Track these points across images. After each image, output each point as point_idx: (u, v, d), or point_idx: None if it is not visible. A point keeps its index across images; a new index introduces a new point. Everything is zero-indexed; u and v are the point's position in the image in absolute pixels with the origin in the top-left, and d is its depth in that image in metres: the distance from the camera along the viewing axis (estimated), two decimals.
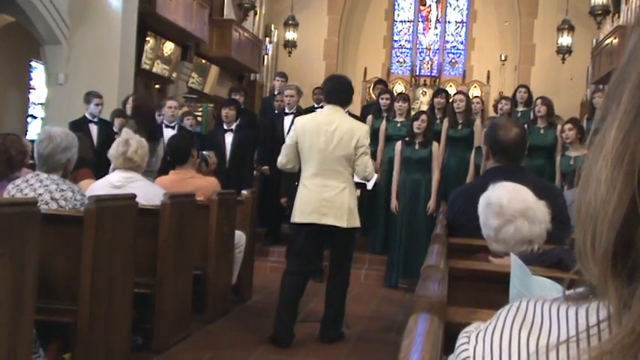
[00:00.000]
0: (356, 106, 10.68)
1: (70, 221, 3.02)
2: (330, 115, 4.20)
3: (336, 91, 4.26)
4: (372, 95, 12.27)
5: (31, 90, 10.43)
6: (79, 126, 6.50)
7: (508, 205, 2.08)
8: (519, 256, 1.54)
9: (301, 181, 4.24)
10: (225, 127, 6.96)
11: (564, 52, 12.07)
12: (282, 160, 4.28)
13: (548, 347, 0.47)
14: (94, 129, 6.72)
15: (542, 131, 6.48)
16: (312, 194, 4.13)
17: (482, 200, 2.16)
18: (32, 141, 4.07)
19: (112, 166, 5.24)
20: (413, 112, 7.12)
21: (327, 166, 4.12)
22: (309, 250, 4.24)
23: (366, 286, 6.44)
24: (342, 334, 4.39)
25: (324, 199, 4.10)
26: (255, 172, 7.31)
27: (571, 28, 12.02)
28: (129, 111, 7.07)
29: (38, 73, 10.15)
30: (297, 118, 4.41)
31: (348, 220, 4.12)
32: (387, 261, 6.49)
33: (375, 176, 6.55)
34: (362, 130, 4.21)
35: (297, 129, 4.23)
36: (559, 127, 6.46)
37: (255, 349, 4.06)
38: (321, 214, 4.10)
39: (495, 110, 8.31)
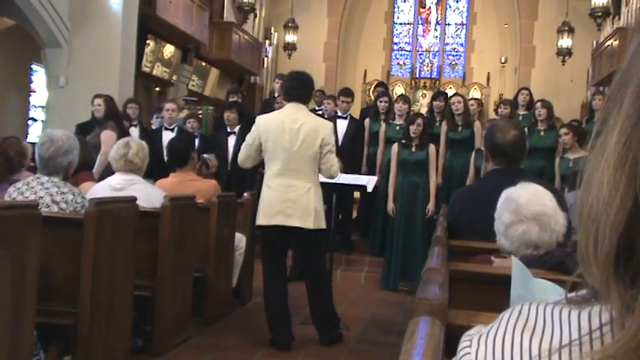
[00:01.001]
0: (356, 109, 10.67)
1: (71, 224, 3.01)
2: (293, 114, 4.07)
3: (295, 88, 4.13)
4: (372, 97, 12.25)
5: (31, 93, 10.44)
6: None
7: (524, 205, 2.07)
8: (520, 258, 1.54)
9: (265, 182, 4.12)
10: (228, 129, 6.98)
11: (564, 54, 12.08)
12: (241, 157, 4.19)
13: (551, 351, 0.47)
14: None
15: (542, 133, 6.49)
16: (276, 195, 4.01)
17: (504, 194, 2.14)
18: (33, 144, 4.07)
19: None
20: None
21: (293, 166, 4.01)
22: (278, 252, 4.17)
23: (366, 289, 6.44)
24: (341, 335, 4.37)
25: (289, 200, 3.99)
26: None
27: (571, 30, 12.03)
28: (132, 114, 7.05)
29: (39, 75, 10.16)
30: (259, 117, 4.27)
31: (314, 221, 4.01)
32: (383, 263, 6.48)
33: (375, 179, 6.56)
34: (327, 128, 4.09)
35: (260, 128, 4.11)
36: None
37: (255, 351, 4.06)
38: (287, 215, 3.99)
39: (496, 114, 8.30)
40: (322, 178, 4.26)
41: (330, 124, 4.21)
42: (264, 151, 4.10)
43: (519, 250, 2.06)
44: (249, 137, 4.15)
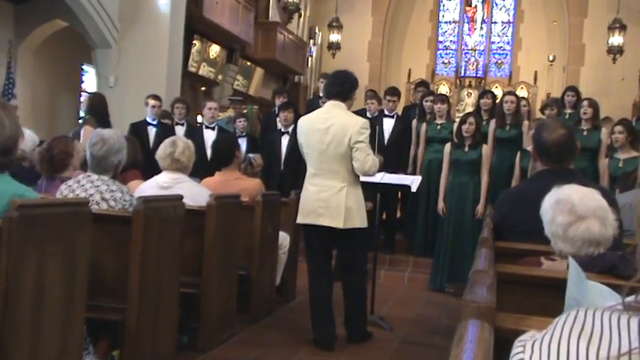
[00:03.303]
0: (400, 108, 10.62)
1: (120, 221, 3.08)
2: (327, 113, 4.08)
3: (333, 85, 4.12)
4: (417, 97, 12.17)
5: (82, 93, 10.71)
6: (138, 128, 6.66)
7: (580, 202, 2.02)
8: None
9: (304, 182, 4.18)
10: (282, 129, 7.04)
11: (615, 52, 11.77)
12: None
13: (609, 359, 0.46)
14: (152, 131, 6.85)
15: (585, 133, 6.32)
16: (310, 195, 4.06)
17: (550, 198, 2.10)
18: None
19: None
20: (456, 114, 7.03)
21: (325, 166, 4.02)
22: (319, 251, 4.18)
23: (410, 289, 6.40)
24: (369, 333, 4.36)
25: (320, 200, 4.01)
26: None
27: (622, 27, 11.71)
28: (177, 114, 7.20)
29: (89, 76, 10.42)
30: (300, 118, 4.35)
31: (345, 220, 3.98)
32: (432, 263, 6.43)
33: (420, 178, 6.51)
34: (356, 125, 3.97)
35: (298, 129, 4.19)
36: (603, 130, 6.31)
37: (299, 349, 4.08)
38: (318, 214, 4.02)
39: (543, 114, 8.11)
40: (366, 178, 4.25)
41: (362, 121, 4.06)
42: (303, 153, 4.18)
43: (581, 249, 2.01)
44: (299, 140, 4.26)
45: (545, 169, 2.79)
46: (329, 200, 4.00)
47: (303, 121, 4.21)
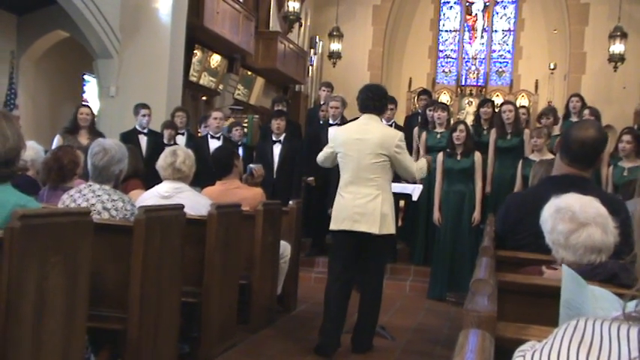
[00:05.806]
0: (400, 117, 10.64)
1: (121, 230, 3.08)
2: (364, 125, 4.25)
3: (371, 100, 4.28)
4: (417, 105, 12.18)
5: (84, 103, 10.74)
6: (130, 137, 6.68)
7: (580, 210, 2.02)
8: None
9: (338, 191, 4.30)
10: (274, 138, 7.04)
11: (616, 60, 11.79)
12: (320, 157, 4.49)
13: None
14: (143, 140, 6.88)
15: None
16: (346, 202, 4.18)
17: (550, 207, 2.09)
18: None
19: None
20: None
21: (361, 175, 4.16)
22: (346, 258, 4.24)
23: (411, 298, 6.39)
24: (372, 345, 4.36)
25: (356, 206, 4.13)
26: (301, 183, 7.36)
27: (624, 36, 11.75)
28: (177, 123, 7.24)
29: (91, 85, 10.45)
30: (335, 129, 4.52)
31: (381, 226, 4.11)
32: (430, 272, 6.42)
33: (421, 187, 6.50)
34: (395, 138, 4.20)
35: (334, 139, 4.37)
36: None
37: (299, 359, 4.06)
38: (354, 220, 4.13)
39: (539, 123, 8.09)
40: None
41: (400, 134, 4.31)
42: (338, 161, 4.30)
43: (583, 257, 2.01)
44: (327, 147, 4.45)
45: (558, 175, 2.68)
46: (365, 207, 4.12)
47: (342, 132, 4.37)
